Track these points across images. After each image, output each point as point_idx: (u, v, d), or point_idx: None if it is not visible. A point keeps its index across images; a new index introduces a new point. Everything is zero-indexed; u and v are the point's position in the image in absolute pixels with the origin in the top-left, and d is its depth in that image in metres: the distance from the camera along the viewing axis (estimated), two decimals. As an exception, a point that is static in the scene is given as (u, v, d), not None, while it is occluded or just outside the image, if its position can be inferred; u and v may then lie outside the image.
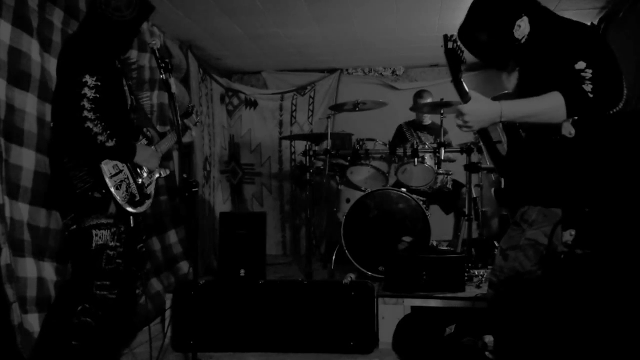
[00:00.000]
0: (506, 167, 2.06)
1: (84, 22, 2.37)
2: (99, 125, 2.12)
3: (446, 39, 1.90)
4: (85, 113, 2.09)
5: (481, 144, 2.17)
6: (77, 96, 2.09)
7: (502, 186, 2.16)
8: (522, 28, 1.93)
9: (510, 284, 1.98)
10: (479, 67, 5.45)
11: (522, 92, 1.98)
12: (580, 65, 1.76)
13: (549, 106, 1.79)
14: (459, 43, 1.92)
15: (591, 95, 1.74)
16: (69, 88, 2.13)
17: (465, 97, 1.88)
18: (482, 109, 1.87)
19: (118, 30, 2.25)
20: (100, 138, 2.13)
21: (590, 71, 1.75)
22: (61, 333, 2.17)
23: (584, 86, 1.74)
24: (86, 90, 2.10)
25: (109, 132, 2.15)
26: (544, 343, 1.74)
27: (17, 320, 2.40)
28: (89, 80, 2.11)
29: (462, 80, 1.91)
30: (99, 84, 2.13)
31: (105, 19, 2.20)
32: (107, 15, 2.19)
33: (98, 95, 2.12)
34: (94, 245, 2.18)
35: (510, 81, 2.08)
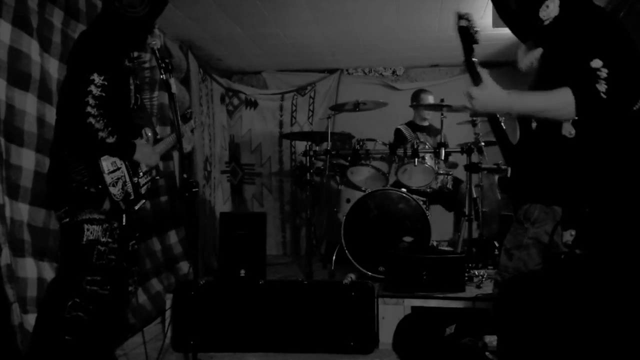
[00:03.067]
0: (513, 157, 2.03)
1: (98, 18, 2.37)
2: (101, 122, 2.13)
3: (459, 16, 1.87)
4: (89, 109, 2.10)
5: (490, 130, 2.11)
6: (83, 92, 2.10)
7: (508, 175, 2.11)
8: (550, 9, 1.85)
9: (514, 284, 1.97)
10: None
11: (539, 78, 1.95)
12: (596, 63, 1.68)
13: (558, 102, 1.73)
14: (472, 22, 1.88)
15: (604, 96, 1.67)
16: (76, 83, 2.13)
17: (476, 80, 1.84)
18: (491, 96, 1.82)
19: (131, 26, 2.25)
20: (101, 134, 2.13)
21: (606, 70, 1.67)
22: (54, 328, 2.17)
23: (597, 85, 1.67)
24: (92, 88, 2.11)
25: (109, 128, 2.16)
26: (546, 343, 1.74)
27: (17, 320, 2.40)
28: (97, 78, 2.12)
29: (475, 61, 1.86)
30: (106, 83, 2.14)
31: (118, 15, 2.20)
32: (120, 11, 2.19)
33: (103, 94, 2.13)
34: (84, 239, 2.17)
35: (524, 60, 2.03)
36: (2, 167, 2.43)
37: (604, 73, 1.67)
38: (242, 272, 3.49)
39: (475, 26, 1.88)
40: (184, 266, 4.13)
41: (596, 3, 1.89)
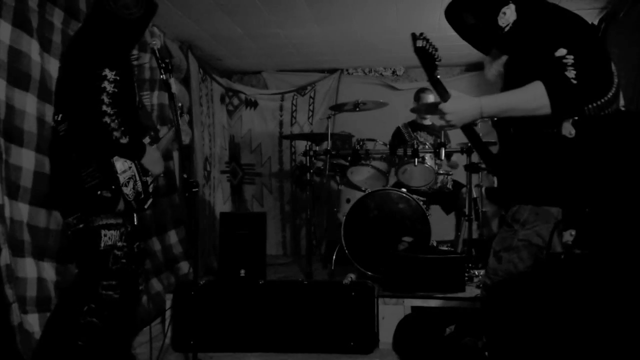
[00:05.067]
0: (497, 165, 2.03)
1: (90, 18, 2.35)
2: (116, 121, 2.12)
3: (414, 37, 1.87)
4: (104, 107, 2.08)
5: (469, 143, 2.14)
6: (96, 89, 2.07)
7: (495, 185, 2.12)
8: (507, 15, 1.87)
9: (504, 286, 1.96)
10: (479, 67, 5.46)
11: (507, 83, 1.96)
12: (561, 51, 1.70)
13: (530, 96, 1.73)
14: (430, 41, 1.89)
15: (575, 82, 1.67)
16: (87, 81, 2.10)
17: (444, 96, 1.86)
18: (462, 106, 1.84)
19: (126, 27, 2.24)
20: (115, 134, 2.13)
21: (572, 57, 1.68)
22: (66, 333, 2.17)
23: (566, 72, 1.68)
24: (105, 84, 2.09)
25: (123, 128, 2.15)
26: (541, 344, 1.74)
27: (17, 320, 2.40)
28: (109, 74, 2.10)
29: (439, 78, 1.88)
30: (118, 78, 2.12)
31: (112, 15, 2.19)
32: (114, 12, 2.18)
33: (116, 90, 2.11)
34: (102, 245, 2.17)
35: (491, 69, 2.04)
36: (2, 167, 2.43)
37: (570, 60, 1.69)
38: (242, 272, 3.48)
39: (433, 44, 1.89)
40: (184, 266, 4.13)
41: (595, 3, 1.90)
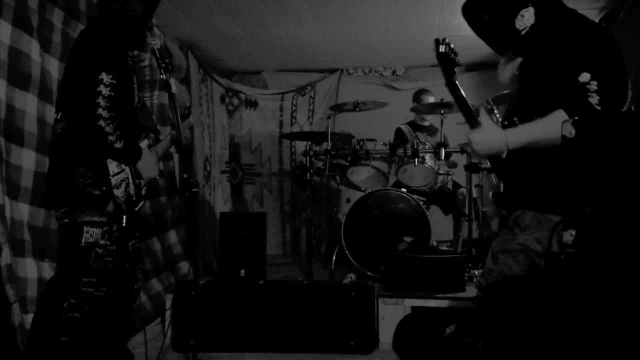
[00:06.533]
0: (505, 169, 2.03)
1: (95, 18, 2.36)
2: (111, 125, 2.12)
3: (437, 42, 1.86)
4: (100, 111, 2.09)
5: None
6: (92, 93, 2.08)
7: (501, 190, 2.11)
8: (525, 18, 1.86)
9: (498, 287, 1.96)
10: (478, 67, 5.46)
11: (522, 89, 1.95)
12: (584, 77, 1.69)
13: (554, 127, 1.72)
14: (452, 46, 1.89)
15: (598, 108, 1.68)
16: (84, 84, 2.11)
17: (473, 124, 1.86)
18: (489, 138, 1.85)
19: (130, 24, 2.25)
20: (110, 138, 2.13)
21: (595, 83, 1.68)
22: (50, 329, 2.16)
23: (589, 99, 1.68)
24: (102, 88, 2.09)
25: (118, 132, 2.15)
26: (537, 344, 1.74)
27: (17, 320, 2.41)
28: (105, 77, 2.10)
29: (457, 83, 1.87)
30: (114, 81, 2.12)
31: (115, 13, 2.20)
32: (116, 9, 2.19)
33: (112, 93, 2.12)
34: (83, 241, 2.17)
35: (505, 71, 2.03)
36: (2, 167, 2.43)
37: (593, 86, 1.68)
38: (242, 272, 3.49)
39: (454, 50, 1.88)
40: (184, 266, 4.13)
41: (595, 3, 1.90)
